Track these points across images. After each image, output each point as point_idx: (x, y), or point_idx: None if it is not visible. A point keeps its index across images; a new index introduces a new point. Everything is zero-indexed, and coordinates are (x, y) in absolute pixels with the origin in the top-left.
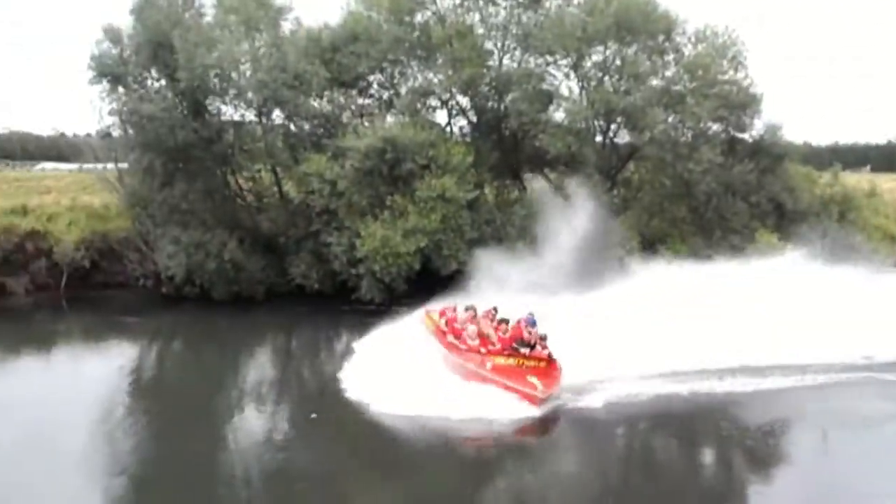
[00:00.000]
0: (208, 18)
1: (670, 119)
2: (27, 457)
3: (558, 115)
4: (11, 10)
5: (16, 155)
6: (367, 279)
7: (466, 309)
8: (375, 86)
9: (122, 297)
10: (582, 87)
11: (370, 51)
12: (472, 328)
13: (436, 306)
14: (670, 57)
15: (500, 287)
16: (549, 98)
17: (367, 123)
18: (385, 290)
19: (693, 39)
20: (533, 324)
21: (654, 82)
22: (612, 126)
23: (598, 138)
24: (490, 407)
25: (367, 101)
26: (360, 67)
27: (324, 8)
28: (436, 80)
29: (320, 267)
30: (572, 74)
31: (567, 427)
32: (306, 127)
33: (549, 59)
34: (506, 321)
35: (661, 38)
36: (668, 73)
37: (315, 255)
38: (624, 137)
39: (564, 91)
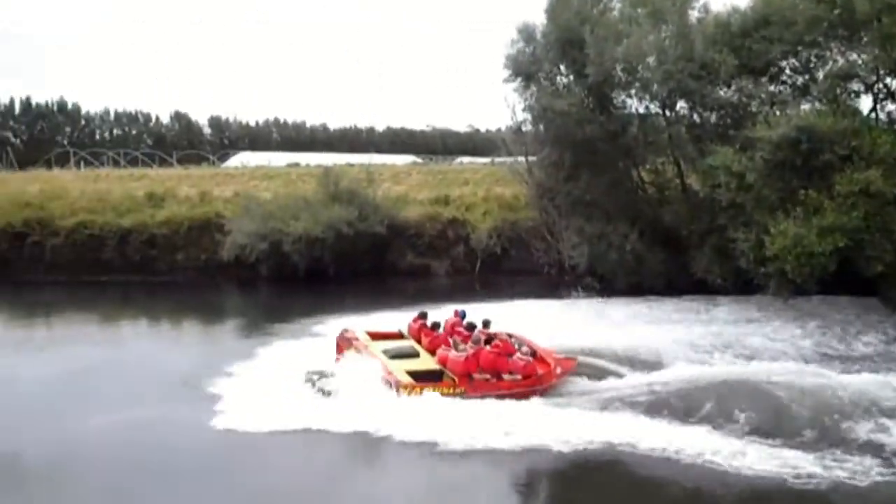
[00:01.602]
0: (615, 13)
1: None
2: None
3: None
4: None
5: (438, 150)
6: (775, 279)
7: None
8: (788, 71)
9: (527, 282)
10: None
11: (784, 34)
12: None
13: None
14: None
15: None
16: None
17: (778, 112)
18: (795, 290)
19: None
20: (463, 316)
21: None
22: None
23: None
24: None
25: (779, 88)
26: (771, 52)
27: None
28: (859, 62)
29: (724, 263)
30: None
31: None
32: (712, 118)
33: None
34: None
35: None
36: None
37: (718, 251)
38: None
39: None
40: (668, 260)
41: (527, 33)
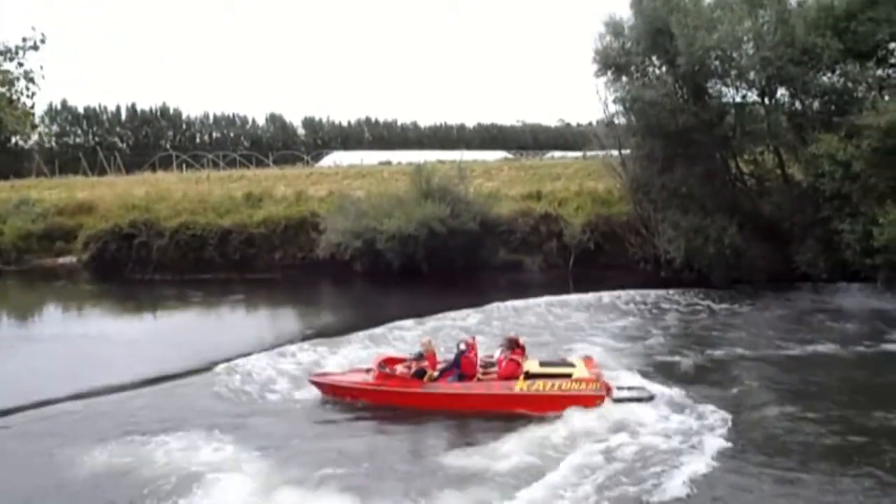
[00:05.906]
0: (707, 0)
1: None
2: None
3: None
4: None
5: (528, 145)
6: (882, 271)
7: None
8: None
9: (622, 277)
10: None
11: (893, 14)
12: None
13: None
14: None
15: None
16: None
17: (886, 97)
18: None
19: None
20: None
21: None
22: None
23: None
24: None
25: (887, 71)
26: (878, 35)
27: None
28: None
29: (829, 255)
30: None
31: None
32: (815, 105)
33: None
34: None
35: None
36: None
37: (823, 243)
38: None
39: None
40: (769, 253)
41: (614, 27)
